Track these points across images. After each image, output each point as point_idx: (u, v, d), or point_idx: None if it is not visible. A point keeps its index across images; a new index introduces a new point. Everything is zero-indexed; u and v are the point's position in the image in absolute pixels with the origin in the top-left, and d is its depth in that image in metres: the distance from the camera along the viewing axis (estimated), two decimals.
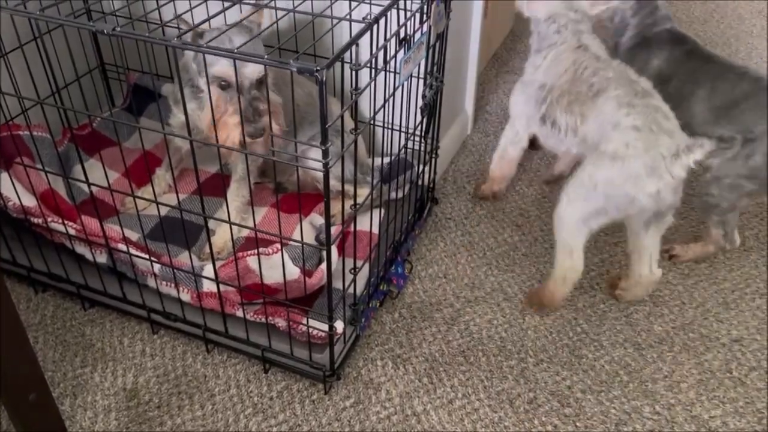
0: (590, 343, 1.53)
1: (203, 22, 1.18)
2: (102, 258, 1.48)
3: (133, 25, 1.27)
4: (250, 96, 1.33)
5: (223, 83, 1.34)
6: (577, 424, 1.36)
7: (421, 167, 1.72)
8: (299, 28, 1.63)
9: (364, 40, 1.17)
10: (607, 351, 1.51)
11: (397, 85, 1.30)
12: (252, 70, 1.32)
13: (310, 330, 1.34)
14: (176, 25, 1.20)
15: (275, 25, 1.63)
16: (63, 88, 1.53)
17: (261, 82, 1.35)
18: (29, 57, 1.45)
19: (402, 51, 1.30)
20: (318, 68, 0.98)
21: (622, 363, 1.48)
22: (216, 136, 1.34)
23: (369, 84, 1.17)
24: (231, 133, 1.34)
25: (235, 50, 1.06)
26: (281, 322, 1.39)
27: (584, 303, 1.63)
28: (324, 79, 0.99)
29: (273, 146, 1.33)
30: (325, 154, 1.07)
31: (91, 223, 1.42)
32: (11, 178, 1.46)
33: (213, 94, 1.29)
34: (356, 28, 1.53)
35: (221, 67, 1.31)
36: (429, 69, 1.53)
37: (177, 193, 1.40)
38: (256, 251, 1.29)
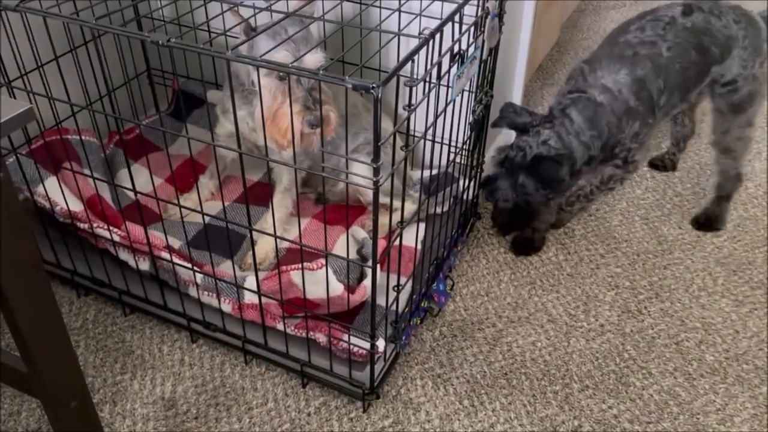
0: (638, 371, 1.48)
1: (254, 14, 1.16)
2: (145, 265, 1.47)
3: (180, 31, 1.26)
4: (309, 85, 1.29)
5: (281, 74, 1.30)
6: None
7: (465, 182, 1.69)
8: (347, 43, 1.62)
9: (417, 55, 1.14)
10: (656, 380, 1.46)
11: (448, 101, 1.27)
12: (315, 60, 1.28)
13: (351, 347, 1.32)
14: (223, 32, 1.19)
15: (322, 34, 1.62)
16: (108, 93, 1.54)
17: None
18: (71, 63, 1.45)
19: (455, 66, 1.27)
20: (374, 85, 0.96)
21: (671, 393, 1.43)
22: (265, 135, 1.29)
23: (422, 100, 1.14)
24: (288, 122, 1.28)
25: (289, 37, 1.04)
26: (322, 338, 1.37)
27: (632, 328, 1.58)
28: (380, 96, 0.96)
29: (323, 161, 1.31)
30: (376, 171, 1.04)
31: (136, 229, 1.42)
32: (59, 183, 1.46)
33: (270, 85, 1.27)
34: (404, 41, 1.51)
35: (282, 57, 1.26)
36: (480, 83, 1.50)
37: (223, 201, 1.39)
38: (300, 266, 1.27)
